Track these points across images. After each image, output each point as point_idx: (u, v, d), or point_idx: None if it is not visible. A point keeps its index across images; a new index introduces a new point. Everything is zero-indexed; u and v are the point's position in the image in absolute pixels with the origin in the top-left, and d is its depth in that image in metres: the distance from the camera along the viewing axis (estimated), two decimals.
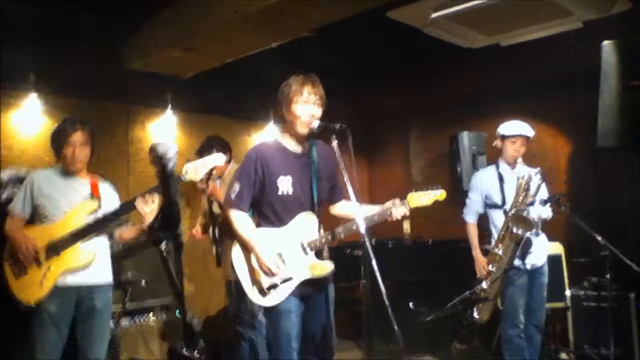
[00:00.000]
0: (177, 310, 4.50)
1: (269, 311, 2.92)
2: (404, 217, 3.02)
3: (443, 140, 6.26)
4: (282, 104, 2.95)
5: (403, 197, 3.00)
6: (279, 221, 2.94)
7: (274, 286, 2.86)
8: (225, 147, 4.53)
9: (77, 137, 3.41)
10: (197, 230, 4.73)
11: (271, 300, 2.87)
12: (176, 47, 4.71)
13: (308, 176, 2.96)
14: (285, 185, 2.90)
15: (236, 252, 2.97)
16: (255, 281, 2.89)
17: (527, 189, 4.05)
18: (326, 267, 2.94)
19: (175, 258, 1.58)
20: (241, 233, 2.90)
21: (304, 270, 2.90)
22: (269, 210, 2.95)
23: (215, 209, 4.33)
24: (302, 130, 2.91)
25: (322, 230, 2.99)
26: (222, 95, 5.98)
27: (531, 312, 4.22)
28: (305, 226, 2.94)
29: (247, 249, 2.91)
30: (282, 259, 2.88)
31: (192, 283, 5.75)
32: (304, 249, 2.91)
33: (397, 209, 2.95)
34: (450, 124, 6.34)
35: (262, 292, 2.87)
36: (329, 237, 2.91)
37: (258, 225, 2.99)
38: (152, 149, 1.61)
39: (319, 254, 2.97)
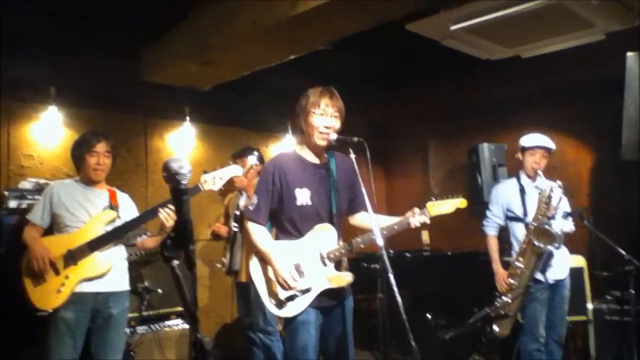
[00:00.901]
0: None
1: (288, 323, 2.89)
2: (422, 227, 3.02)
3: (462, 151, 6.21)
4: (300, 116, 2.96)
5: (422, 208, 3.01)
6: (298, 233, 2.93)
7: (292, 297, 2.84)
8: (258, 158, 4.70)
9: (101, 147, 3.51)
10: (219, 226, 4.75)
11: (289, 311, 2.85)
12: (193, 60, 4.73)
13: (326, 188, 2.96)
14: (303, 196, 2.89)
15: (254, 264, 2.95)
16: (273, 293, 2.87)
17: (548, 202, 3.99)
18: (345, 277, 2.92)
19: (189, 275, 1.57)
20: (259, 245, 2.90)
21: (322, 281, 2.88)
22: (288, 222, 2.94)
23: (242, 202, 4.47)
24: (320, 142, 2.90)
25: (340, 241, 2.97)
26: (240, 107, 6.01)
27: (552, 326, 4.15)
28: (323, 237, 2.92)
29: (264, 261, 2.90)
30: (301, 270, 2.87)
31: (208, 291, 5.77)
32: (323, 260, 2.90)
33: (417, 217, 2.96)
34: (469, 135, 6.29)
35: (280, 303, 2.85)
36: (348, 247, 2.90)
37: (277, 238, 2.99)
38: (166, 166, 1.60)
39: (338, 265, 2.95)
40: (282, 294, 2.84)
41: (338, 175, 3.00)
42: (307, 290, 2.85)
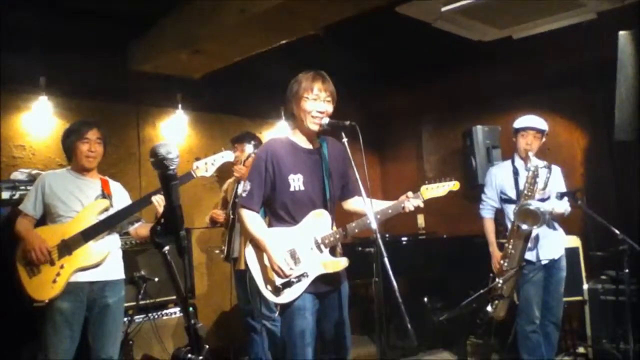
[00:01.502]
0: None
1: (284, 309, 2.89)
2: (417, 211, 3.05)
3: (456, 136, 6.22)
4: (292, 101, 2.94)
5: (416, 192, 3.06)
6: (292, 219, 2.92)
7: (288, 284, 2.83)
8: (256, 141, 4.75)
9: (93, 134, 3.51)
10: (217, 212, 4.76)
11: (285, 298, 2.85)
12: (184, 49, 4.71)
13: (319, 173, 2.96)
14: (296, 182, 2.89)
15: (249, 252, 2.94)
16: (269, 280, 2.86)
17: (533, 182, 3.98)
18: (341, 262, 2.95)
19: (181, 261, 1.56)
20: (252, 232, 2.88)
21: (318, 267, 2.89)
22: (281, 209, 2.93)
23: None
24: (313, 126, 2.90)
25: (334, 227, 2.98)
26: (232, 94, 5.98)
27: (549, 308, 4.17)
28: (318, 223, 2.93)
29: (259, 248, 2.89)
30: (296, 256, 2.87)
31: (206, 279, 5.78)
32: (318, 246, 2.90)
33: (412, 201, 2.99)
34: (463, 119, 6.29)
35: (276, 290, 2.85)
36: (343, 233, 2.92)
37: (270, 225, 2.97)
38: (153, 152, 1.58)
39: (332, 251, 2.97)
40: (278, 281, 2.83)
41: (330, 161, 2.99)
42: (303, 276, 2.86)
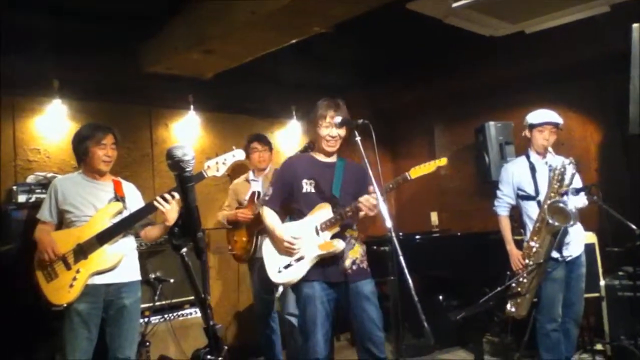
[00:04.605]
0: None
1: (297, 299, 3.32)
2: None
3: (468, 132, 6.17)
4: (312, 125, 3.44)
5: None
6: (302, 215, 3.35)
7: (288, 266, 3.26)
8: (266, 144, 4.86)
9: (109, 139, 3.55)
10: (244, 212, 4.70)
11: (285, 277, 3.27)
12: (195, 50, 4.71)
13: (330, 178, 3.37)
14: (309, 186, 3.35)
15: (266, 244, 3.42)
16: (274, 262, 3.32)
17: (561, 180, 3.95)
18: (334, 243, 3.22)
19: (199, 263, 1.57)
20: (267, 223, 3.40)
21: (314, 249, 3.24)
22: (296, 207, 3.40)
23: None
24: (327, 148, 3.37)
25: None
26: (244, 94, 5.99)
27: (570, 305, 4.10)
28: (320, 214, 3.30)
29: (272, 238, 3.37)
30: (297, 241, 3.26)
31: (218, 280, 5.79)
32: (317, 231, 3.27)
33: (363, 202, 3.11)
34: (475, 115, 6.25)
35: (279, 271, 3.28)
36: (337, 216, 3.23)
37: (286, 221, 3.42)
38: (169, 154, 1.59)
39: (335, 237, 3.26)
40: (281, 263, 3.28)
41: (345, 173, 3.39)
42: (301, 259, 3.24)
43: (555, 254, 4.04)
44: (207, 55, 4.80)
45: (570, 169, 3.94)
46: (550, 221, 3.88)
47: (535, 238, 4.02)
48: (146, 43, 5.12)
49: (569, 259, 4.06)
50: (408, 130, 7.50)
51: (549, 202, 3.93)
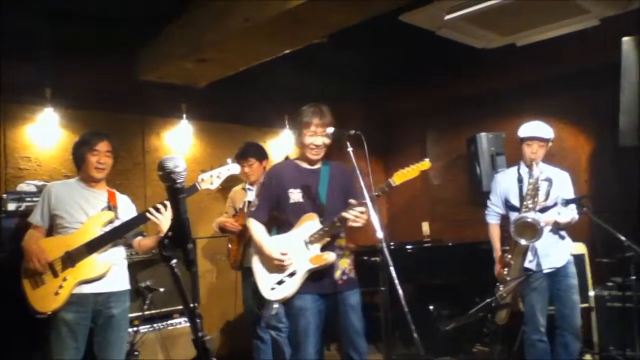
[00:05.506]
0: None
1: (288, 310, 3.26)
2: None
3: (460, 142, 6.20)
4: (295, 132, 3.38)
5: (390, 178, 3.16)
6: (291, 227, 3.27)
7: (281, 282, 3.18)
8: (261, 154, 4.78)
9: (103, 146, 3.52)
10: (231, 221, 4.72)
11: (278, 294, 3.19)
12: (189, 58, 4.72)
13: (316, 187, 3.30)
14: (295, 195, 3.27)
15: (255, 260, 3.34)
16: (266, 279, 3.24)
17: (534, 195, 3.95)
18: (324, 257, 3.18)
19: (189, 274, 1.56)
20: (254, 237, 3.32)
21: (305, 263, 3.17)
22: (283, 218, 3.32)
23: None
24: (312, 156, 3.31)
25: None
26: (237, 103, 6.00)
27: (563, 317, 4.07)
28: (308, 225, 3.23)
29: (260, 253, 3.28)
30: (287, 256, 3.17)
31: (211, 288, 5.77)
32: (306, 245, 3.20)
33: (350, 212, 3.08)
34: (468, 125, 6.27)
35: (272, 288, 3.21)
36: (326, 228, 3.17)
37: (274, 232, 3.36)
38: (161, 165, 1.59)
39: (324, 249, 3.21)
40: (273, 279, 3.20)
41: (330, 178, 3.34)
42: (293, 274, 3.17)
43: (533, 266, 4.05)
44: (201, 64, 4.80)
45: (544, 185, 3.95)
46: (518, 239, 3.90)
47: (510, 254, 4.05)
48: (139, 51, 5.12)
49: (548, 270, 4.05)
50: (401, 139, 7.51)
51: (516, 220, 3.94)
